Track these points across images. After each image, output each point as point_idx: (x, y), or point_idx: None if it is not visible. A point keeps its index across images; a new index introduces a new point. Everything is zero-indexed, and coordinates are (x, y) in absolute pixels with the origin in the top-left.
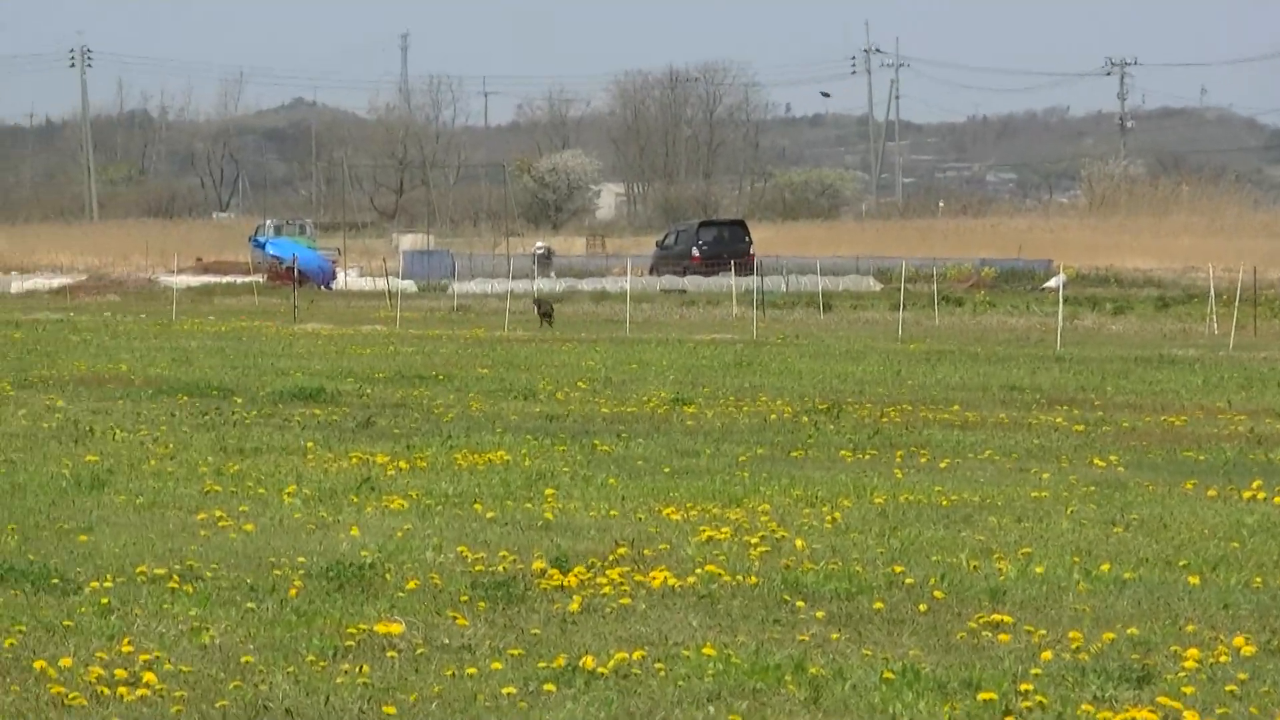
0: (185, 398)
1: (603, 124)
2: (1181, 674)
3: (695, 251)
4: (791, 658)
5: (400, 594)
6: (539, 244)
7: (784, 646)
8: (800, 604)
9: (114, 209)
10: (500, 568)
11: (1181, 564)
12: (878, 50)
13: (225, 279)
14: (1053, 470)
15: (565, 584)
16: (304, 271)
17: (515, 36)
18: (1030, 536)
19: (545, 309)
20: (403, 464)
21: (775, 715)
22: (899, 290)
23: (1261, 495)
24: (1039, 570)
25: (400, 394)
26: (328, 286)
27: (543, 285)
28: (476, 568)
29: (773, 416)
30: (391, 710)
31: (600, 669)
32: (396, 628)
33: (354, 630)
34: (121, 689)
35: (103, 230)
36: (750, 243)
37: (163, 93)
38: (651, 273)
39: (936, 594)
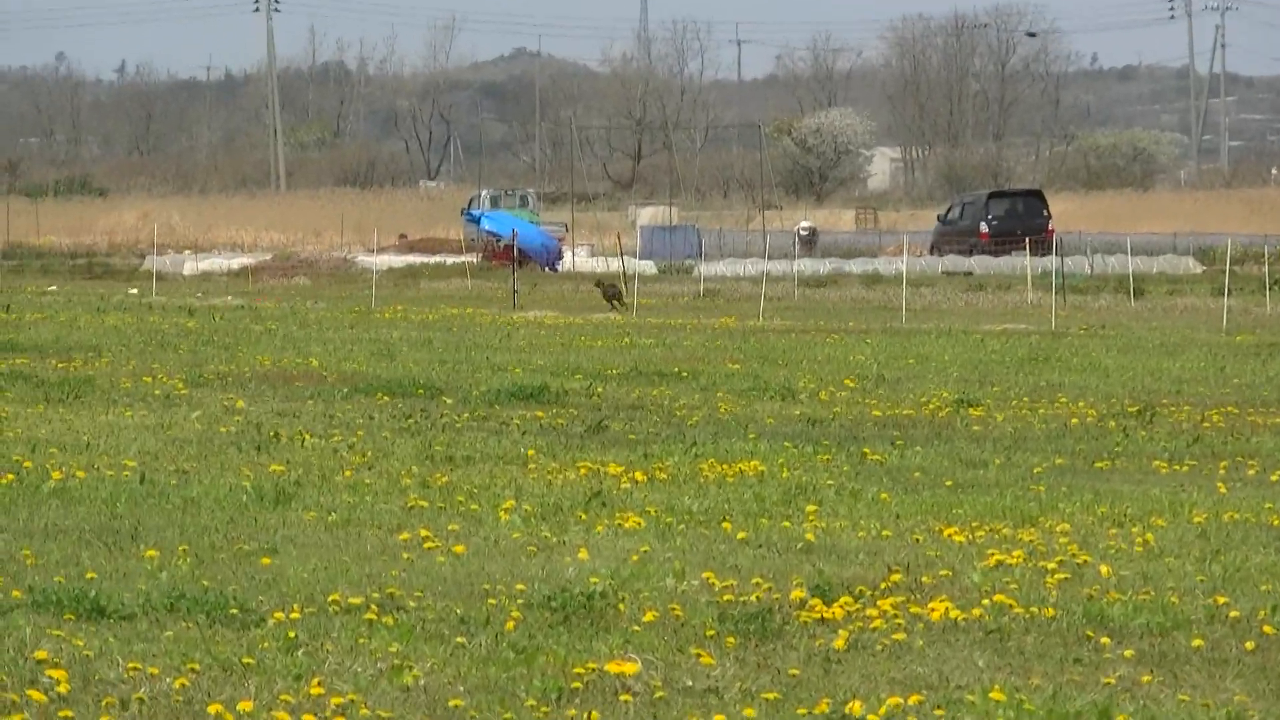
0: (386, 398)
1: (876, 78)
2: None
3: (984, 227)
4: (1095, 704)
5: (636, 628)
6: (803, 223)
7: (1086, 691)
8: (1105, 641)
9: (304, 177)
10: (753, 597)
11: None
12: None
13: (433, 259)
14: None
15: (829, 616)
16: (525, 250)
17: None
18: None
19: (611, 291)
20: (639, 475)
21: None
22: (1223, 273)
23: None
24: None
25: (637, 393)
26: (553, 268)
27: (804, 266)
28: (725, 597)
29: (1074, 421)
30: None
31: (870, 716)
32: (631, 667)
33: (581, 670)
34: None
35: (290, 202)
36: (1048, 217)
37: (361, 43)
38: (932, 252)
39: (1266, 629)
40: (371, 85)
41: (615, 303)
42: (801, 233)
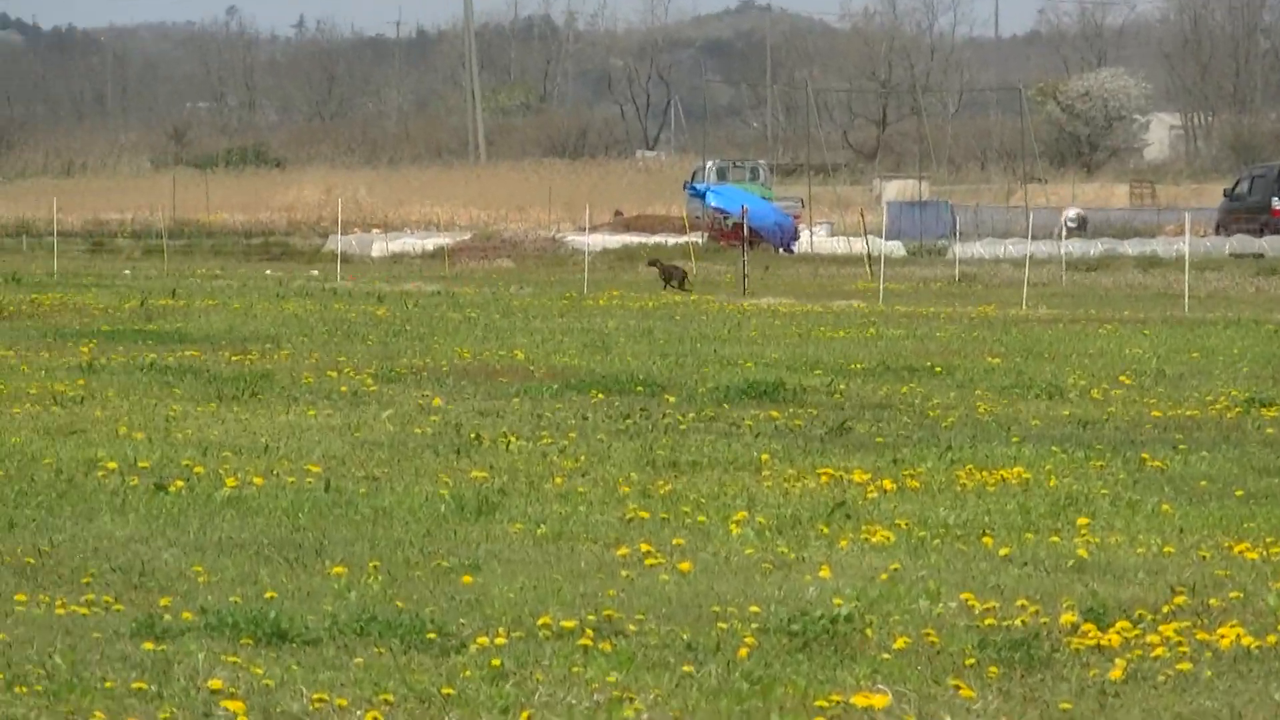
0: (601, 395)
1: (1151, 34)
2: None
3: (1276, 203)
4: None
5: (885, 655)
6: (1070, 210)
7: None
8: None
9: (506, 146)
10: (1018, 621)
11: None
12: None
13: (653, 239)
14: None
15: (1104, 643)
16: (757, 229)
17: None
18: None
19: (672, 271)
20: (888, 483)
21: None
22: None
23: None
24: None
25: (884, 391)
26: (788, 249)
27: (1073, 248)
28: (986, 621)
29: None
30: None
31: None
32: (881, 700)
33: (824, 703)
34: None
35: (491, 174)
36: None
37: None
38: (1218, 231)
39: None
40: (581, 43)
41: (676, 285)
42: (1069, 224)
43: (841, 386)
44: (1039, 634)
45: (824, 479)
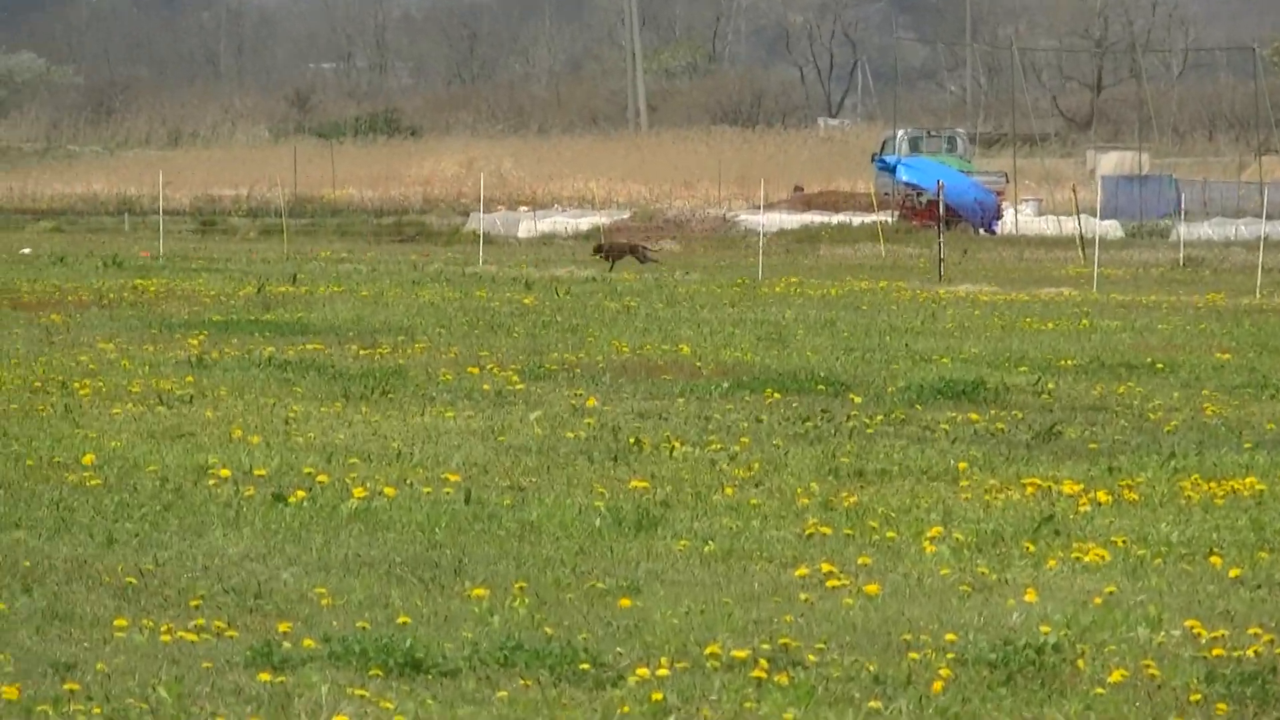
0: (776, 395)
1: None
2: None
3: None
4: None
5: (1099, 690)
6: None
7: None
8: None
9: (670, 113)
10: (1250, 652)
11: None
12: None
13: (836, 218)
14: None
15: None
16: (954, 207)
17: None
18: None
19: (616, 250)
20: (1102, 495)
21: None
22: None
23: None
24: None
25: (1099, 390)
26: (990, 229)
27: None
28: (1214, 651)
29: None
30: None
31: None
32: None
33: None
34: None
35: (654, 145)
36: None
37: None
38: None
39: None
40: None
41: (638, 259)
42: None
43: (1050, 386)
44: (1274, 666)
45: (1030, 490)
